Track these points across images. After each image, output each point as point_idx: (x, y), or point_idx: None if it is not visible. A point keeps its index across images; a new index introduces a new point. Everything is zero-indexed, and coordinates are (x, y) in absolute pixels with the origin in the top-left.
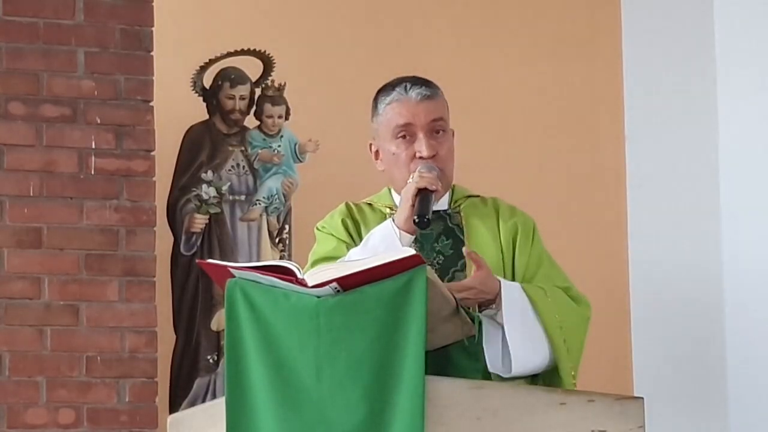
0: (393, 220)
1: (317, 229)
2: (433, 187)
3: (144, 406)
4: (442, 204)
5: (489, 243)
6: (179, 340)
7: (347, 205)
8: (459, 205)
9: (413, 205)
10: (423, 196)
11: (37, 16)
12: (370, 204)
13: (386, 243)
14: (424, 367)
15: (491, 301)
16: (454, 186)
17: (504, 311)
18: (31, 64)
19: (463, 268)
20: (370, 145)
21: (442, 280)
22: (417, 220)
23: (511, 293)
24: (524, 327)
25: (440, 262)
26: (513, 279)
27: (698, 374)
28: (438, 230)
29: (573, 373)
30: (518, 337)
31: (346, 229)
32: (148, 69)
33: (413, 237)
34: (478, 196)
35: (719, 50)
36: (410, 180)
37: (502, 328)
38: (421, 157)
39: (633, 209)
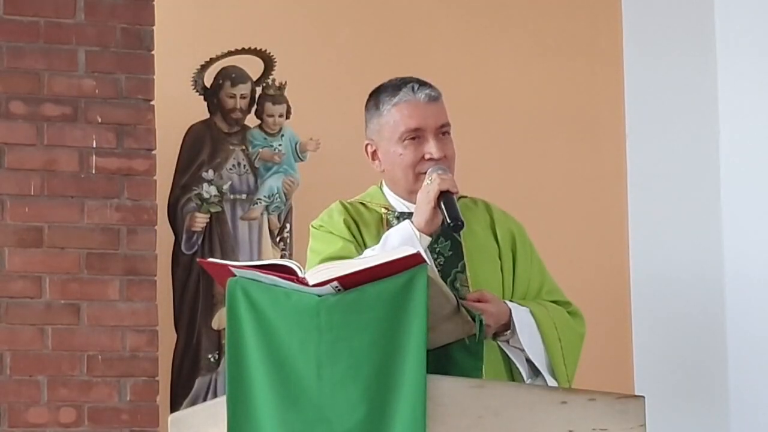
0: (411, 222)
1: (314, 227)
2: (455, 189)
3: (145, 405)
4: None
5: (485, 244)
6: (180, 339)
7: (343, 204)
8: None
9: (434, 207)
10: (448, 198)
11: (37, 15)
12: (363, 203)
13: (406, 246)
14: (425, 366)
15: (505, 326)
16: None
17: (521, 336)
18: (31, 63)
19: (464, 269)
20: (367, 145)
21: (444, 281)
22: (453, 225)
23: (522, 317)
24: (533, 347)
25: (441, 263)
26: (513, 284)
27: (699, 373)
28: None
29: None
30: (537, 355)
31: (349, 228)
32: (149, 68)
33: (430, 240)
34: (466, 197)
35: (720, 49)
36: (427, 182)
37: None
38: (431, 159)
39: (633, 208)
